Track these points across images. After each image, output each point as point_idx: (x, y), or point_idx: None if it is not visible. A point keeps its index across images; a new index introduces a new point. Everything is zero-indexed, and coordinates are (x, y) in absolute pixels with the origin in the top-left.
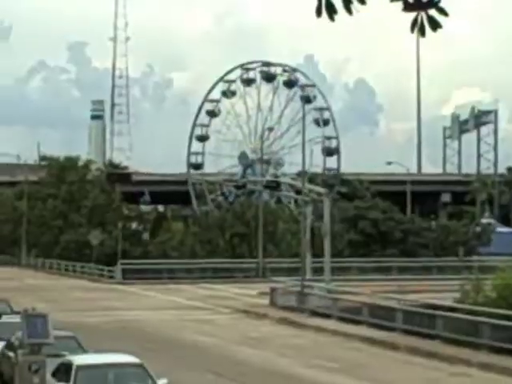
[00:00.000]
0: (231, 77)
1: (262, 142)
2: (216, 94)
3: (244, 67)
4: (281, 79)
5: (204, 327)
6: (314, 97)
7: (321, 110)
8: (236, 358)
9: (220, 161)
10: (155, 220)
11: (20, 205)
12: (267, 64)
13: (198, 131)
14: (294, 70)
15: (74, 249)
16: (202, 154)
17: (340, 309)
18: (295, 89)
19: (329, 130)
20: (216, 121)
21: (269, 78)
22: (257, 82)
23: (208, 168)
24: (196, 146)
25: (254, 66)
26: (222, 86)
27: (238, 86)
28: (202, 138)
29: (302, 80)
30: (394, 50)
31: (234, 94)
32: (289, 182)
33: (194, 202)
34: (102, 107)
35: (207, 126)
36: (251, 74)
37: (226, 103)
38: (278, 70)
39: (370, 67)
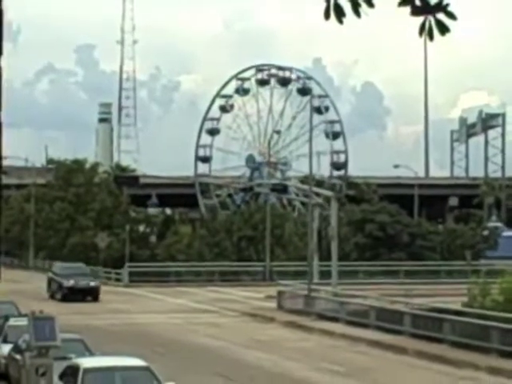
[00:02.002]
0: (246, 81)
1: (270, 146)
2: (229, 91)
3: (259, 68)
4: (295, 86)
5: (212, 330)
6: (326, 108)
7: (331, 122)
8: (244, 361)
9: (228, 158)
10: (163, 223)
11: (27, 207)
12: (282, 68)
13: (209, 125)
14: (309, 77)
15: (80, 251)
16: (211, 147)
17: (347, 312)
18: (308, 97)
19: (338, 143)
20: (226, 117)
21: (283, 82)
22: (271, 83)
23: (215, 165)
24: (205, 139)
25: (270, 68)
26: (235, 85)
27: (251, 85)
28: (212, 132)
29: (316, 89)
30: (401, 54)
31: (247, 92)
32: (296, 185)
33: (199, 197)
34: (109, 110)
35: (218, 119)
36: (265, 76)
37: (238, 101)
38: (294, 75)
39: (377, 70)
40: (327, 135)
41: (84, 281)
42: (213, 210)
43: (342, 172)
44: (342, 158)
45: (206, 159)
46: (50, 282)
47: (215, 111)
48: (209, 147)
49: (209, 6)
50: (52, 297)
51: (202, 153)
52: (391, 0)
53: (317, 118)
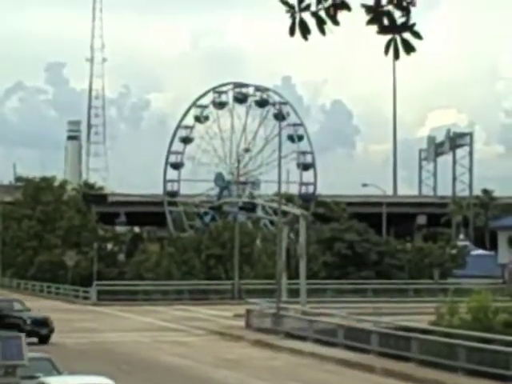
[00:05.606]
0: (222, 94)
1: (239, 164)
2: (205, 103)
3: (237, 85)
4: (271, 110)
5: (179, 349)
6: (300, 137)
7: (304, 153)
8: (211, 380)
9: (197, 170)
10: (131, 241)
11: None
12: (260, 89)
13: (182, 133)
14: (285, 103)
15: (48, 270)
16: (182, 154)
17: (315, 331)
18: (283, 123)
19: (308, 175)
20: (200, 127)
21: (261, 103)
22: (247, 102)
23: (184, 175)
24: (177, 146)
25: (247, 86)
26: (211, 97)
27: (228, 99)
28: (186, 140)
29: (292, 116)
30: (370, 72)
31: (223, 105)
32: (265, 203)
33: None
34: (78, 128)
35: (191, 127)
36: (242, 95)
37: (213, 113)
38: (270, 99)
39: (346, 89)
40: (298, 166)
41: None
42: (178, 217)
43: (309, 204)
44: (311, 189)
45: (176, 166)
46: None
47: (189, 120)
48: (180, 154)
49: (178, 25)
50: None
51: (173, 159)
52: (360, 19)
53: (290, 146)
